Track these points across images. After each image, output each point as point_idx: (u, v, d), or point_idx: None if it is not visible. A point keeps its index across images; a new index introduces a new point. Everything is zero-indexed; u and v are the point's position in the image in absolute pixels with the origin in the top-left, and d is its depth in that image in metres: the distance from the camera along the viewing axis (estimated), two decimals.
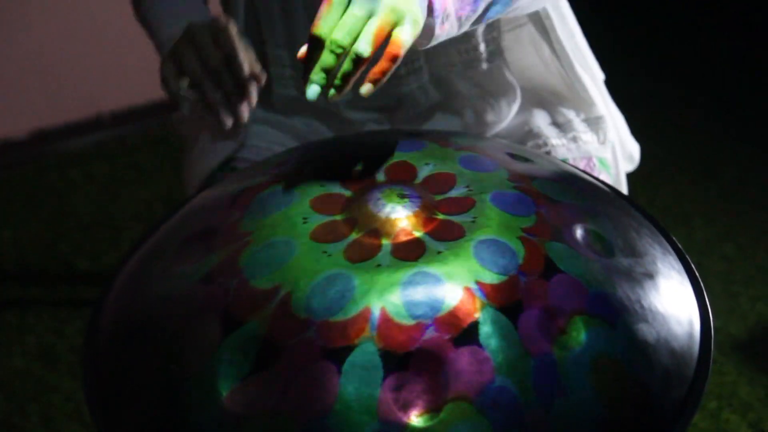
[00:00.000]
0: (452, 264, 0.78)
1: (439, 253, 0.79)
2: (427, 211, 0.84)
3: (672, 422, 0.76)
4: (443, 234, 0.82)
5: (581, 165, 1.21)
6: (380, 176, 0.90)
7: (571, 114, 1.25)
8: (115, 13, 2.42)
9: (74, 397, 1.82)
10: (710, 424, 1.73)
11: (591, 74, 1.26)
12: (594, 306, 0.78)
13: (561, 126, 1.24)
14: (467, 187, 0.88)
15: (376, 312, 0.75)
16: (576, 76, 1.23)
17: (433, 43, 0.94)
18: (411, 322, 0.74)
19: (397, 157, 0.93)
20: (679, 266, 0.89)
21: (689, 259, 0.90)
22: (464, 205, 0.85)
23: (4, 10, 2.38)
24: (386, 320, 0.75)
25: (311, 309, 0.76)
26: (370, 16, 0.85)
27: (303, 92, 0.86)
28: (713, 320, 0.85)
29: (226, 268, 0.81)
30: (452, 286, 0.76)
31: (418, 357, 0.73)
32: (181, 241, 0.88)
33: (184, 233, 0.90)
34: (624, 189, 1.30)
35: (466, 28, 0.98)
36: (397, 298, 0.76)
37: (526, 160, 0.96)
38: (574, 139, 1.23)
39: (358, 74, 0.86)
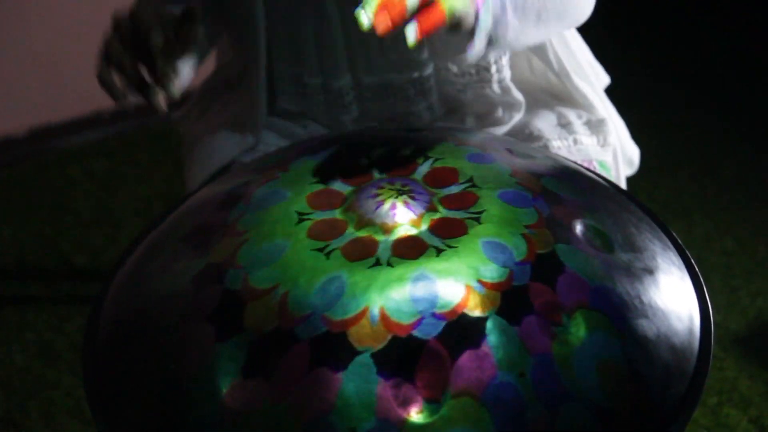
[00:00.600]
0: (453, 260, 0.78)
1: (439, 249, 0.79)
2: (427, 207, 0.84)
3: (672, 418, 0.76)
4: (444, 230, 0.82)
5: None
6: (380, 172, 0.90)
7: (572, 116, 1.25)
8: (114, 10, 2.42)
9: (74, 394, 1.82)
10: (711, 419, 1.73)
11: (589, 81, 1.26)
12: (594, 301, 0.78)
13: (562, 128, 1.24)
14: (468, 182, 0.88)
15: (376, 309, 0.75)
16: (573, 84, 1.23)
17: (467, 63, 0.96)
18: (411, 319, 0.74)
19: (398, 152, 0.93)
20: (678, 261, 0.89)
21: (689, 254, 0.90)
22: (465, 200, 0.85)
23: (4, 7, 2.37)
24: (386, 317, 0.74)
25: (311, 306, 0.76)
26: None
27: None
28: (713, 315, 0.85)
29: (226, 265, 0.81)
30: (453, 283, 0.76)
31: (419, 354, 0.73)
32: (180, 238, 0.88)
33: (184, 230, 0.90)
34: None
35: (492, 53, 1.02)
36: (398, 294, 0.76)
37: (526, 156, 0.96)
38: (575, 142, 1.23)
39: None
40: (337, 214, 0.85)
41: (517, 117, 1.24)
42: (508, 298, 0.76)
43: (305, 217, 0.84)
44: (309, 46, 1.18)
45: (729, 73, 2.72)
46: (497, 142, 1.02)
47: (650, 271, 0.84)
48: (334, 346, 0.73)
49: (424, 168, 0.90)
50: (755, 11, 2.87)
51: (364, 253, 0.80)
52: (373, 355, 0.73)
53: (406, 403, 0.71)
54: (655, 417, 0.75)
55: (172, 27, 0.97)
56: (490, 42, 0.98)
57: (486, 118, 1.24)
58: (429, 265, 0.78)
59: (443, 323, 0.74)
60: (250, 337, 0.75)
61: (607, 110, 1.29)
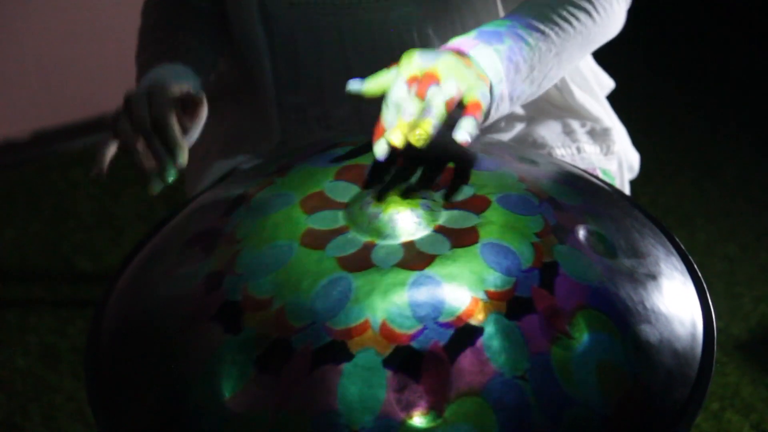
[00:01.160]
0: (456, 265, 0.78)
1: (443, 254, 0.79)
2: (431, 212, 0.84)
3: (675, 423, 0.76)
4: (447, 235, 0.82)
5: None
6: (383, 176, 0.90)
7: (575, 124, 1.25)
8: (117, 14, 2.42)
9: (76, 397, 1.82)
10: (713, 425, 1.73)
11: (592, 92, 1.26)
12: (596, 304, 0.78)
13: (566, 136, 1.24)
14: (473, 187, 0.87)
15: (379, 313, 0.75)
16: (576, 101, 1.23)
17: (487, 123, 0.98)
18: (414, 324, 0.74)
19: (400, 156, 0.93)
20: (681, 267, 0.89)
21: (692, 260, 0.90)
22: (469, 206, 0.85)
23: (6, 10, 2.38)
24: (388, 322, 0.74)
25: (314, 310, 0.76)
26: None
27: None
28: (716, 321, 0.84)
29: (228, 269, 0.81)
30: (455, 288, 0.76)
31: (421, 358, 0.73)
32: (182, 242, 0.88)
33: (186, 234, 0.90)
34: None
35: (518, 104, 1.02)
36: (400, 299, 0.76)
37: (530, 161, 0.96)
38: (579, 150, 1.23)
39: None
40: (339, 217, 0.84)
41: (519, 127, 1.24)
42: (510, 303, 0.76)
43: (310, 221, 0.84)
44: (308, 76, 1.18)
45: (731, 78, 2.72)
46: (502, 148, 1.02)
47: (653, 277, 0.84)
48: (336, 350, 0.73)
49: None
50: (757, 16, 2.87)
51: (365, 258, 0.80)
52: (375, 360, 0.73)
53: (408, 408, 0.71)
54: (657, 422, 0.75)
55: (181, 108, 1.03)
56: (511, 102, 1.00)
57: (487, 131, 1.24)
58: (432, 269, 0.78)
59: (445, 327, 0.74)
60: (252, 342, 0.75)
61: (610, 118, 1.29)
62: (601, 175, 1.23)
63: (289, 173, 0.92)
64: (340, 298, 0.76)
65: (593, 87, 1.27)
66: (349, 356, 0.73)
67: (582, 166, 1.21)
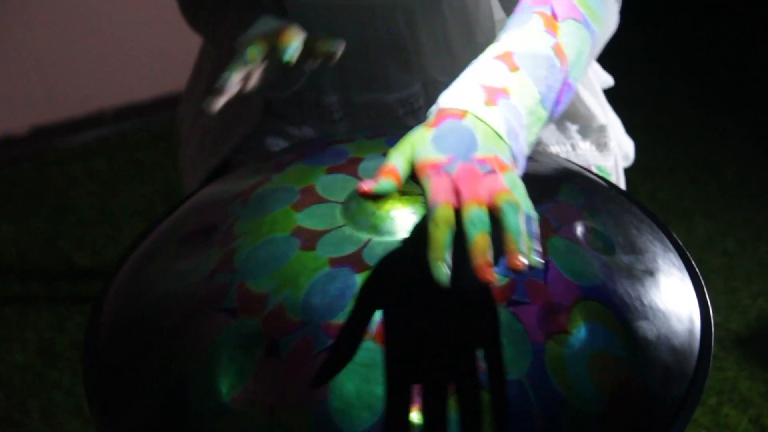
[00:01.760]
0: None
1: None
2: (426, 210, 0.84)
3: (672, 418, 0.76)
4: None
5: None
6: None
7: (568, 122, 1.25)
8: (116, 9, 2.42)
9: (75, 393, 1.83)
10: (711, 419, 1.73)
11: (591, 88, 1.26)
12: (593, 298, 0.78)
13: (560, 133, 1.24)
14: None
15: (377, 310, 0.75)
16: (577, 95, 1.23)
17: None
18: (412, 320, 0.74)
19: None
20: (679, 263, 0.89)
21: (690, 256, 0.90)
22: None
23: (5, 6, 2.38)
24: (387, 318, 0.75)
25: (311, 307, 0.76)
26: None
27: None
28: (714, 316, 0.85)
29: (226, 265, 0.81)
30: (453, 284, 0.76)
31: (419, 354, 0.73)
32: (181, 238, 0.88)
33: (185, 230, 0.90)
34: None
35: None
36: (398, 295, 0.76)
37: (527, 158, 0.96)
38: (573, 147, 1.23)
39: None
40: (337, 213, 0.84)
41: None
42: (507, 299, 0.76)
43: (307, 216, 0.84)
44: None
45: (730, 73, 2.72)
46: None
47: (651, 273, 0.84)
48: (334, 347, 0.74)
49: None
50: (756, 11, 2.87)
51: (363, 255, 0.80)
52: (374, 355, 0.73)
53: (408, 404, 0.71)
54: (655, 417, 0.75)
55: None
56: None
57: None
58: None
59: (445, 325, 0.74)
60: (251, 338, 0.75)
61: (605, 111, 1.29)
62: (596, 172, 1.23)
63: (287, 169, 0.92)
64: (339, 295, 0.76)
65: (593, 82, 1.27)
66: (347, 352, 0.73)
67: (577, 162, 1.22)
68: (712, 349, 0.82)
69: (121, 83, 2.57)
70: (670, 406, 0.76)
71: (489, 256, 0.68)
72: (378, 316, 0.75)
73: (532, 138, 0.83)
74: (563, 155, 1.21)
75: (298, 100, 1.24)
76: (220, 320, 0.77)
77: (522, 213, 0.71)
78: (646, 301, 0.80)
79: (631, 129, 1.36)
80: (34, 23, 2.41)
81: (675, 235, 0.92)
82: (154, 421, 0.77)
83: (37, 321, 2.00)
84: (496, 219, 0.71)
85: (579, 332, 0.76)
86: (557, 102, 0.86)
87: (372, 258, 0.79)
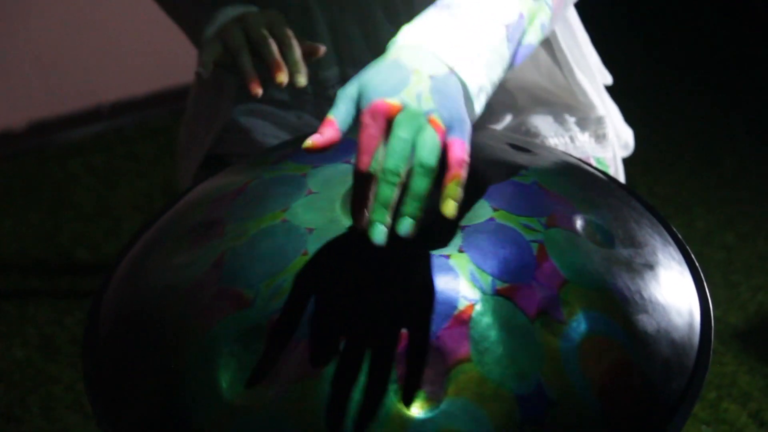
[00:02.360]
0: (451, 254, 0.78)
1: (438, 243, 0.79)
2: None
3: (672, 412, 0.76)
4: (443, 224, 0.82)
5: None
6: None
7: (567, 114, 1.25)
8: (115, 4, 2.42)
9: (74, 388, 1.82)
10: (710, 413, 1.73)
11: (591, 76, 1.26)
12: (590, 288, 0.78)
13: (559, 125, 1.24)
14: (470, 177, 0.87)
15: (377, 304, 0.75)
16: (576, 82, 1.22)
17: (475, 119, 0.86)
18: (412, 314, 0.74)
19: None
20: (679, 256, 0.89)
21: (689, 249, 0.90)
22: (466, 195, 0.85)
23: (4, 1, 2.37)
24: (387, 312, 0.74)
25: (312, 301, 0.76)
26: (417, 133, 0.76)
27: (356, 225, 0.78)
28: (713, 310, 0.85)
29: (225, 259, 0.81)
30: (451, 277, 0.76)
31: (418, 348, 0.73)
32: (180, 233, 0.88)
33: (184, 225, 0.90)
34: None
35: (497, 84, 0.90)
36: (398, 289, 0.76)
37: (525, 150, 0.96)
38: (572, 139, 1.23)
39: (430, 189, 0.75)
40: (336, 207, 0.84)
41: (509, 117, 1.24)
42: (507, 292, 0.76)
43: (307, 211, 0.84)
44: (297, 36, 1.18)
45: (730, 67, 2.72)
46: (498, 137, 1.02)
47: (651, 267, 0.84)
48: (336, 340, 0.74)
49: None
50: (756, 5, 2.87)
51: (364, 248, 0.80)
52: (374, 351, 0.73)
53: (407, 399, 0.71)
54: (655, 412, 0.75)
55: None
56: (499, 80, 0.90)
57: (480, 118, 1.23)
58: (429, 260, 0.78)
59: (442, 317, 0.74)
60: (250, 333, 0.75)
61: (603, 102, 1.29)
62: (594, 164, 1.22)
63: (285, 162, 0.92)
64: (338, 289, 0.76)
65: (593, 72, 1.27)
66: (347, 347, 0.73)
67: (576, 155, 1.21)
68: (712, 342, 0.82)
69: (120, 78, 2.57)
70: (670, 400, 0.76)
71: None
72: (377, 310, 0.75)
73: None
74: (562, 147, 1.21)
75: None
76: (219, 314, 0.77)
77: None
78: (645, 295, 0.80)
79: (630, 122, 1.36)
80: (32, 18, 2.41)
81: (674, 229, 0.92)
82: (154, 416, 0.77)
83: (37, 316, 2.00)
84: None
85: (578, 325, 0.76)
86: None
87: (372, 252, 0.79)
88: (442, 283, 0.76)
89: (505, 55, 0.88)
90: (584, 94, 1.23)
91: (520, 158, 0.93)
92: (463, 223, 0.81)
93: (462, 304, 0.75)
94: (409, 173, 0.75)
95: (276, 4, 1.15)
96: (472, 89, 0.84)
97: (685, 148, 2.43)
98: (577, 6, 1.22)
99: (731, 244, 2.12)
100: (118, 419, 0.79)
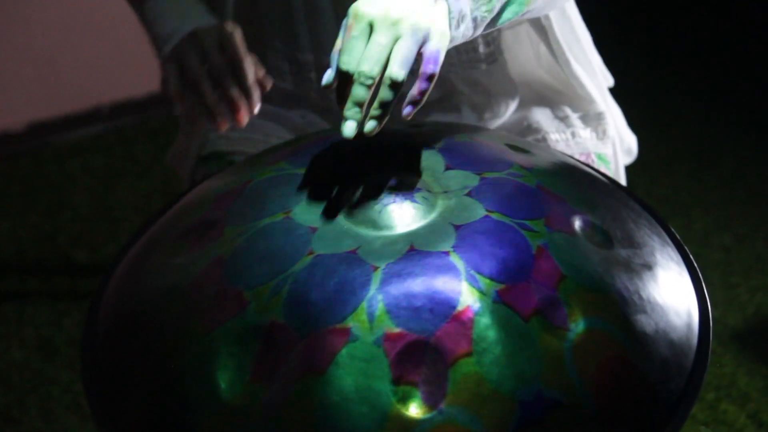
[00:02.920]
0: (451, 255, 0.78)
1: (437, 244, 0.79)
2: (424, 203, 0.84)
3: (670, 413, 0.76)
4: (442, 226, 0.82)
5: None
6: (378, 169, 0.90)
7: (568, 110, 1.25)
8: (113, 5, 2.41)
9: (73, 389, 1.82)
10: (709, 414, 1.73)
11: (591, 71, 1.26)
12: (589, 288, 0.78)
13: (560, 121, 1.24)
14: (468, 177, 0.87)
15: (375, 304, 0.75)
16: (573, 74, 1.22)
17: (449, 46, 0.90)
18: (410, 314, 0.74)
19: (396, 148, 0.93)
20: (677, 257, 0.89)
21: (688, 250, 0.90)
22: (463, 195, 0.85)
23: (3, 2, 2.37)
24: (385, 312, 0.74)
25: (310, 301, 0.76)
26: (395, 41, 0.82)
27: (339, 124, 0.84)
28: (712, 311, 0.85)
29: (224, 260, 0.81)
30: (450, 278, 0.76)
31: (418, 349, 0.73)
32: (179, 234, 0.88)
33: (182, 226, 0.90)
34: (623, 183, 1.30)
35: (481, 30, 0.94)
36: (396, 289, 0.76)
37: (524, 151, 0.96)
38: (573, 135, 1.23)
39: (395, 101, 0.83)
40: (336, 209, 0.84)
41: (513, 106, 1.24)
42: (505, 293, 0.76)
43: (305, 212, 0.84)
44: (300, 23, 1.18)
45: (728, 68, 2.72)
46: (496, 137, 1.01)
47: (649, 267, 0.84)
48: (334, 341, 0.73)
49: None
50: (755, 6, 2.87)
51: (362, 249, 0.80)
52: (373, 349, 0.73)
53: (406, 399, 0.71)
54: (653, 412, 0.75)
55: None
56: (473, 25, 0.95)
57: (482, 109, 1.23)
58: (427, 260, 0.78)
59: (441, 317, 0.74)
60: (249, 333, 0.75)
61: (605, 100, 1.29)
62: (596, 160, 1.23)
63: (286, 162, 0.92)
64: (336, 290, 0.76)
65: (595, 70, 1.27)
66: (346, 348, 0.73)
67: (577, 150, 1.21)
68: (711, 343, 0.82)
69: (118, 79, 2.57)
70: (669, 400, 0.76)
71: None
72: (377, 310, 0.75)
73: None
74: (563, 143, 1.21)
75: (297, 69, 1.23)
76: (218, 316, 0.77)
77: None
78: (644, 295, 0.80)
79: (629, 123, 1.36)
80: (32, 19, 2.41)
81: (673, 230, 0.92)
82: (153, 417, 0.77)
83: (35, 317, 2.00)
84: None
85: (577, 325, 0.76)
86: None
87: (370, 253, 0.79)
88: (441, 283, 0.76)
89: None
90: (582, 86, 1.24)
91: (518, 158, 0.93)
92: (460, 222, 0.81)
93: (461, 305, 0.75)
94: (380, 80, 0.81)
95: None
96: (453, 12, 0.87)
97: (684, 149, 2.43)
98: (577, 3, 1.23)
99: (730, 245, 2.12)
100: (117, 420, 0.79)
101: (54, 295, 2.06)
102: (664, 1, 2.98)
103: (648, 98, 2.57)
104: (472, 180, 0.87)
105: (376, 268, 0.77)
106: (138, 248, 0.92)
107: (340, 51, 0.83)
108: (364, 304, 0.75)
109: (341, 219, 0.83)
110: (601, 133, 1.25)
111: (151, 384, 0.78)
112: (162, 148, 2.48)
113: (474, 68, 1.22)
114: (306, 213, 0.84)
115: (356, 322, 0.74)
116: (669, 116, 2.55)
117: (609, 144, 1.25)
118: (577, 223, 0.84)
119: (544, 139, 1.21)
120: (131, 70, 2.55)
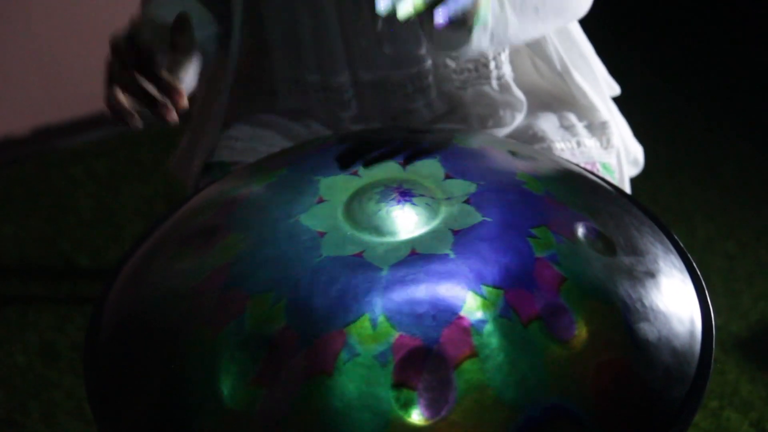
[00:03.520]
0: (454, 262, 0.78)
1: (440, 250, 0.79)
2: (428, 209, 0.84)
3: (673, 421, 0.76)
4: (445, 232, 0.82)
5: None
6: (382, 173, 0.90)
7: (573, 118, 1.25)
8: (117, 9, 2.42)
9: (75, 394, 1.82)
10: (711, 422, 1.73)
11: (594, 80, 1.26)
12: (592, 297, 0.78)
13: (565, 130, 1.24)
14: (472, 184, 0.87)
15: (378, 311, 0.75)
16: (574, 83, 1.23)
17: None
18: (412, 321, 0.74)
19: (400, 152, 0.93)
20: (680, 264, 0.89)
21: (690, 257, 0.90)
22: (468, 202, 0.85)
23: (6, 6, 2.38)
24: (388, 318, 0.74)
25: (312, 308, 0.76)
26: None
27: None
28: (714, 318, 0.84)
29: (227, 266, 0.81)
30: (453, 285, 0.76)
31: (421, 355, 0.73)
32: (182, 239, 0.88)
33: (185, 231, 0.90)
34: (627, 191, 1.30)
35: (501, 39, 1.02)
36: (399, 296, 0.76)
37: (528, 158, 0.96)
38: (578, 144, 1.23)
39: None
40: (338, 214, 0.84)
41: (520, 117, 1.24)
42: (509, 300, 0.76)
43: (308, 218, 0.84)
44: (307, 44, 1.18)
45: (730, 75, 2.72)
46: (499, 144, 1.02)
47: (652, 275, 0.84)
48: (337, 347, 0.73)
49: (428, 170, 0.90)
50: (756, 13, 2.87)
51: (365, 255, 0.80)
52: (375, 358, 0.73)
53: (408, 406, 0.71)
54: (656, 420, 0.75)
55: (168, 40, 0.97)
56: (489, 38, 0.98)
57: (488, 119, 1.24)
58: (430, 267, 0.78)
59: (444, 324, 0.74)
60: (252, 339, 0.75)
61: (609, 110, 1.29)
62: (600, 169, 1.23)
63: (289, 168, 0.92)
64: (339, 296, 0.76)
65: (598, 79, 1.27)
66: (348, 354, 0.73)
67: (582, 159, 1.21)
68: (714, 351, 0.82)
69: None
70: (671, 408, 0.76)
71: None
72: (379, 317, 0.75)
73: None
74: (568, 152, 1.21)
75: (303, 89, 1.23)
76: (220, 321, 0.77)
77: None
78: (647, 303, 0.80)
79: (632, 131, 1.36)
80: (35, 23, 2.41)
81: (676, 237, 0.92)
82: (155, 422, 0.76)
83: (38, 322, 2.00)
84: None
85: (579, 332, 0.76)
86: None
87: (373, 259, 0.79)
88: (444, 289, 0.76)
89: None
90: (585, 96, 1.24)
91: (522, 165, 0.93)
92: (462, 228, 0.81)
93: (464, 311, 0.75)
94: None
95: (289, 7, 1.16)
96: None
97: (687, 157, 2.42)
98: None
99: (733, 252, 2.11)
100: (119, 425, 0.79)
101: (57, 300, 2.06)
102: (667, 10, 2.99)
103: (651, 106, 2.57)
104: (474, 187, 0.87)
105: (379, 275, 0.77)
106: (141, 253, 0.93)
107: None
108: (367, 311, 0.75)
109: (345, 225, 0.83)
110: (606, 143, 1.25)
111: (154, 389, 0.78)
112: (165, 152, 2.48)
113: (482, 85, 1.23)
114: (310, 218, 0.84)
115: (359, 329, 0.74)
116: (672, 124, 2.55)
117: (613, 153, 1.25)
118: (580, 230, 0.84)
119: (550, 148, 1.21)
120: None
